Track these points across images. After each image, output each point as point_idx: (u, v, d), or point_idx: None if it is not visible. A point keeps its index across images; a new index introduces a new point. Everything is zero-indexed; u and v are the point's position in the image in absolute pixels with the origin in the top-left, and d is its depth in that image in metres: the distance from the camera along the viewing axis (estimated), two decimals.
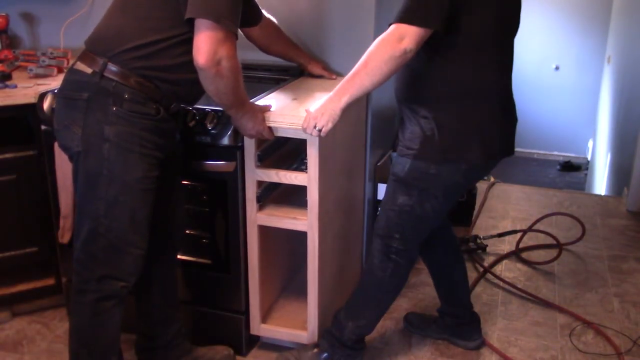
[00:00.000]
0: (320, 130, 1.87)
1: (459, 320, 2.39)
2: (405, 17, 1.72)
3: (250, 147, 2.06)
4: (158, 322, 2.14)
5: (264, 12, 2.36)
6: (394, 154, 2.06)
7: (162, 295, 2.12)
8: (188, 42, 1.72)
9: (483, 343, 2.41)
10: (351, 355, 2.18)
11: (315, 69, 2.50)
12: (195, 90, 1.85)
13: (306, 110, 1.91)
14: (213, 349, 2.27)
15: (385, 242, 2.04)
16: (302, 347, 2.24)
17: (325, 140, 2.05)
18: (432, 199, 1.95)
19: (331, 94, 1.86)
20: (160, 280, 2.11)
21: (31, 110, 2.31)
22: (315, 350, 2.19)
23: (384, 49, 1.75)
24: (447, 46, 1.79)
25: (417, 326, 2.49)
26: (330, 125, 1.86)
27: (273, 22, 2.45)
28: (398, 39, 1.72)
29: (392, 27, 1.74)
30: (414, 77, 1.88)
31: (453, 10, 1.72)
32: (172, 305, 2.17)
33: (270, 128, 1.99)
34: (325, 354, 2.17)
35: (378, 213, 2.13)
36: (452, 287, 2.36)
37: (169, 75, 1.79)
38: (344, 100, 1.83)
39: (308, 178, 2.05)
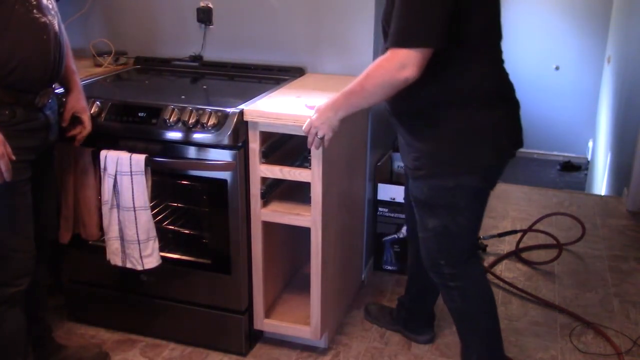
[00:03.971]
0: (322, 139, 1.86)
1: (413, 316, 2.41)
2: (404, 40, 1.61)
3: (254, 144, 2.08)
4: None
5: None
6: (410, 180, 1.94)
7: (28, 298, 2.05)
8: None
9: (433, 338, 2.42)
10: None
11: (70, 103, 2.06)
12: (32, 68, 1.75)
13: (309, 116, 1.87)
14: (84, 347, 2.28)
15: (436, 271, 1.95)
16: None
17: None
18: (462, 211, 1.84)
19: (329, 100, 1.82)
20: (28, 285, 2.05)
21: None
22: None
23: (382, 77, 1.67)
24: (444, 55, 1.67)
25: (374, 316, 2.53)
26: (330, 134, 1.85)
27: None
28: (399, 67, 1.62)
29: (390, 52, 1.64)
30: (408, 90, 1.71)
31: (450, 21, 1.62)
32: (39, 306, 2.13)
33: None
34: None
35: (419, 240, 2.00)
36: (425, 288, 2.30)
37: None
38: (340, 114, 1.81)
39: (312, 174, 2.06)
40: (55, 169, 2.18)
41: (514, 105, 1.87)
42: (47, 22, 1.79)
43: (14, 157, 1.70)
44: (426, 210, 1.88)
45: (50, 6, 1.83)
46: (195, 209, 2.39)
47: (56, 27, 1.83)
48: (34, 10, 1.75)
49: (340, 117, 1.81)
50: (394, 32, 1.63)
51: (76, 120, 2.08)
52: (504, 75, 1.84)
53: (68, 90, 2.07)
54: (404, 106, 1.82)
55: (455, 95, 1.75)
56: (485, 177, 1.85)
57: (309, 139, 1.89)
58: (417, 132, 1.83)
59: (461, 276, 1.94)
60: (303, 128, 1.89)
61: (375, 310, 2.55)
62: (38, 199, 1.94)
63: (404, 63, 1.62)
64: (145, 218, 2.13)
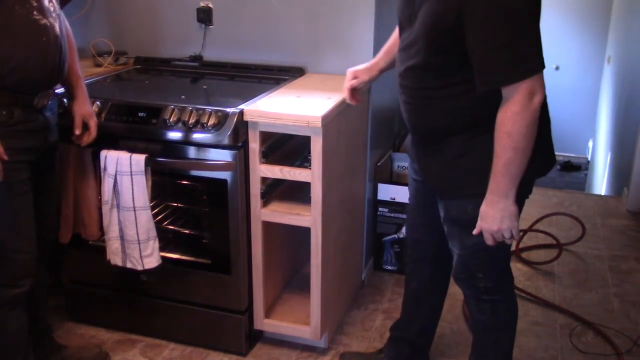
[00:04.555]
0: (512, 236, 1.63)
1: (422, 352, 2.20)
2: (524, 71, 1.45)
3: (254, 143, 2.08)
4: None
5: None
6: (442, 202, 1.79)
7: (29, 298, 2.05)
8: None
9: None
10: None
11: (79, 110, 2.05)
12: (31, 69, 1.75)
13: (482, 228, 1.63)
14: (83, 347, 2.28)
15: (471, 284, 1.83)
16: None
17: (329, 138, 2.06)
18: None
19: (489, 198, 1.59)
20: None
21: None
22: None
23: (523, 122, 1.48)
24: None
25: None
26: (516, 223, 1.60)
27: (65, 29, 1.99)
28: (529, 99, 1.47)
29: (515, 90, 1.46)
30: (445, 108, 1.61)
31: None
32: (39, 307, 2.13)
33: None
34: None
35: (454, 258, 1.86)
36: (436, 311, 2.15)
37: None
38: (512, 196, 1.56)
39: (312, 174, 2.06)
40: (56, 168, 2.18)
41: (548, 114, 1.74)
42: (48, 24, 1.78)
43: (6, 157, 1.69)
44: (466, 229, 1.69)
45: (52, 8, 1.82)
46: (195, 209, 2.39)
47: (57, 29, 1.82)
48: (35, 12, 1.75)
49: (513, 198, 1.57)
50: (503, 64, 1.46)
51: (82, 125, 2.07)
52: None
53: (74, 97, 2.04)
54: (452, 121, 1.64)
55: (494, 107, 1.58)
56: (530, 186, 1.73)
57: (497, 242, 1.65)
58: (455, 150, 1.66)
59: (496, 290, 1.83)
60: (487, 242, 1.65)
61: None
62: (39, 200, 1.94)
63: (532, 91, 1.47)
64: (146, 218, 2.13)
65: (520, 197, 1.66)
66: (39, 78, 1.79)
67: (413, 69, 1.64)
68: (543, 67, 1.48)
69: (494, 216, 1.59)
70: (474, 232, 1.65)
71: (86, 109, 2.06)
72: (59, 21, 1.85)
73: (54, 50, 1.80)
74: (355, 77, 1.99)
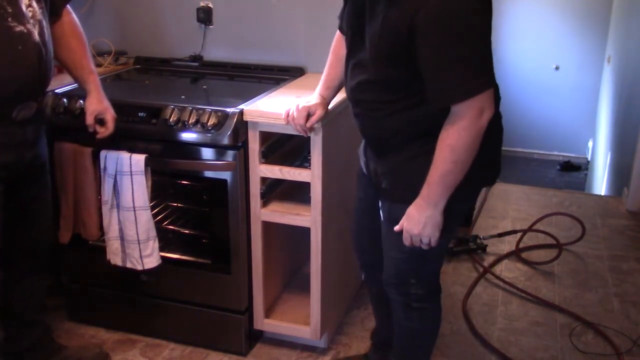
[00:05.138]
0: (429, 244, 1.65)
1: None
2: (475, 88, 1.45)
3: (254, 143, 2.08)
4: (22, 326, 2.10)
5: (69, 10, 2.03)
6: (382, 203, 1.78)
7: (24, 304, 2.07)
8: None
9: None
10: None
11: (91, 106, 2.01)
12: (6, 79, 1.66)
13: (404, 228, 1.65)
14: (84, 347, 2.28)
15: (402, 291, 1.83)
16: None
17: (329, 138, 2.06)
18: (445, 232, 1.68)
19: (418, 200, 1.60)
20: (23, 292, 2.06)
21: None
22: None
23: (469, 137, 1.49)
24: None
25: None
26: (438, 234, 1.62)
27: (72, 25, 2.03)
28: (478, 116, 1.47)
29: (465, 107, 1.46)
30: (398, 120, 1.61)
31: None
32: (36, 311, 2.13)
33: None
34: None
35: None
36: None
37: None
38: (441, 206, 1.58)
39: (312, 174, 2.06)
40: (55, 169, 2.18)
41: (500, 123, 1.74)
42: (25, 31, 1.68)
43: None
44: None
45: (31, 14, 1.72)
46: (195, 209, 2.40)
47: (36, 36, 1.71)
48: (9, 19, 1.65)
49: (442, 208, 1.58)
50: (454, 82, 1.45)
51: (99, 121, 2.04)
52: (497, 90, 1.68)
53: (87, 92, 2.01)
54: (405, 131, 1.64)
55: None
56: (475, 196, 1.76)
57: (415, 244, 1.66)
58: (415, 153, 1.65)
59: (427, 298, 1.84)
60: (405, 243, 1.67)
61: None
62: (26, 214, 1.90)
63: (481, 108, 1.47)
64: (145, 218, 2.13)
65: (462, 204, 1.70)
66: (15, 89, 1.70)
67: (365, 83, 1.63)
68: (493, 84, 1.49)
69: (418, 220, 1.60)
70: (396, 228, 1.66)
71: (101, 105, 2.00)
72: (39, 27, 1.75)
73: (32, 58, 1.71)
74: (307, 112, 1.92)
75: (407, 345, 1.96)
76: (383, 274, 1.86)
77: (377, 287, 2.04)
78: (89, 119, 2.00)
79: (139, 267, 2.18)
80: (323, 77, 1.94)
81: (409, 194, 1.63)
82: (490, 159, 1.70)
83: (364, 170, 1.87)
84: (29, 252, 2.03)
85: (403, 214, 1.66)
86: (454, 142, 1.50)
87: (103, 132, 2.03)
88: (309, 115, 1.92)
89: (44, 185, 2.01)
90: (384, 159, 1.72)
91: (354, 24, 1.64)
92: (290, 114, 1.94)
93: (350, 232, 2.05)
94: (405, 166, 1.67)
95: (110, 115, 2.02)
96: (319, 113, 1.93)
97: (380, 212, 1.79)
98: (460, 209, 1.73)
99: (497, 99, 1.67)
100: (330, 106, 2.04)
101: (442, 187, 1.55)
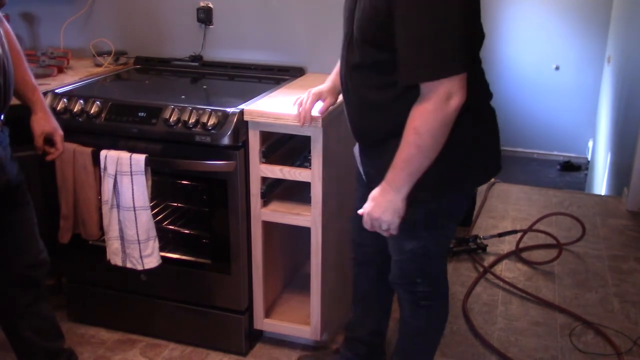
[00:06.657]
0: (388, 230, 1.63)
1: (377, 351, 2.18)
2: (442, 70, 1.41)
3: (254, 143, 2.08)
4: (46, 358, 2.02)
5: (2, 18, 1.80)
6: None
7: (32, 330, 1.95)
8: None
9: None
10: None
11: (38, 128, 1.86)
12: None
13: (365, 210, 1.64)
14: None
15: (409, 290, 1.82)
16: None
17: (329, 138, 2.06)
18: (444, 230, 1.72)
19: (381, 187, 1.59)
20: (26, 316, 1.95)
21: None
22: None
23: (435, 121, 1.45)
24: None
25: None
26: (398, 221, 1.60)
27: (8, 35, 1.79)
28: (444, 100, 1.43)
29: (432, 89, 1.43)
30: (386, 111, 1.58)
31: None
32: (52, 339, 2.04)
33: None
34: None
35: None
36: (383, 312, 2.13)
37: None
38: (404, 191, 1.55)
39: (312, 174, 2.07)
40: (55, 169, 2.18)
41: (495, 116, 1.72)
42: None
43: None
44: (403, 233, 1.66)
45: None
46: (195, 208, 2.40)
47: None
48: None
49: (404, 194, 1.55)
50: (422, 62, 1.42)
51: (48, 141, 1.90)
52: (486, 86, 1.70)
53: (32, 112, 1.83)
54: (392, 124, 1.58)
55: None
56: (471, 193, 1.76)
57: (375, 229, 1.65)
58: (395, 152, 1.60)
59: (434, 295, 1.84)
60: (365, 226, 1.66)
61: None
62: (5, 238, 1.80)
63: (449, 93, 1.43)
64: (145, 218, 2.13)
65: (459, 203, 1.70)
66: None
67: (354, 68, 1.63)
68: (465, 70, 1.44)
69: (379, 204, 1.59)
70: (359, 211, 1.66)
71: (48, 125, 1.85)
72: None
73: None
74: (318, 99, 1.92)
75: (412, 344, 1.95)
76: (389, 275, 1.86)
77: (369, 284, 2.06)
78: (38, 141, 1.85)
79: (139, 267, 2.18)
80: (337, 66, 1.94)
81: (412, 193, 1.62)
82: (483, 158, 1.68)
83: (359, 172, 1.88)
84: (24, 281, 1.92)
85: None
86: (418, 124, 1.47)
87: (53, 152, 1.91)
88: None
89: (24, 207, 1.86)
90: (375, 159, 1.71)
91: (350, 6, 1.64)
92: (300, 100, 1.96)
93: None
94: (377, 166, 1.67)
95: (59, 136, 1.89)
96: (329, 100, 1.94)
97: None
98: (461, 204, 1.72)
99: (487, 94, 1.68)
100: (330, 107, 2.05)
101: (406, 172, 1.53)
